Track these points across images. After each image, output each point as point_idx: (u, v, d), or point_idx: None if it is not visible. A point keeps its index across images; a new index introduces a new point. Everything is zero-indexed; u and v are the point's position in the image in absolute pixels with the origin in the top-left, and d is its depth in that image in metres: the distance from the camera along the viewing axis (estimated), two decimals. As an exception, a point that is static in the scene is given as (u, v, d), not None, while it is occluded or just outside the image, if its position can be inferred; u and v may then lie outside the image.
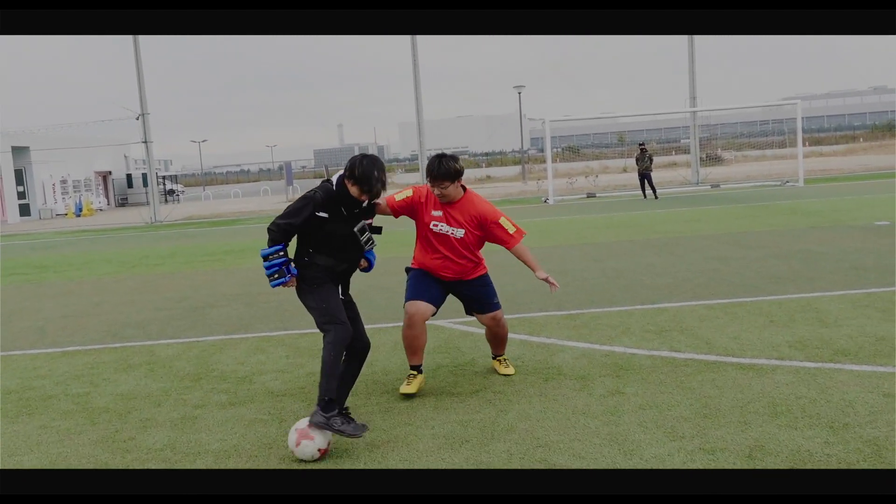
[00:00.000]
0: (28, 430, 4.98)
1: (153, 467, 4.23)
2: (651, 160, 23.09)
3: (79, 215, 38.87)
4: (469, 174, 58.73)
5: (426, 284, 5.25)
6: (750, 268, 9.38)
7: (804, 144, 26.39)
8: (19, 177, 39.07)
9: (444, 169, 4.95)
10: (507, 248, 5.29)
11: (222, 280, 11.43)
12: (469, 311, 5.43)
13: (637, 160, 23.30)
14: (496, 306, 5.37)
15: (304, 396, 5.30)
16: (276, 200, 40.82)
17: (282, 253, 4.41)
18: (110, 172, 48.94)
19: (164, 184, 53.86)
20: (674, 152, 58.18)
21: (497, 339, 5.50)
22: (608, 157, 55.07)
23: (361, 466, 4.07)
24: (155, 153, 30.31)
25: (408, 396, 5.09)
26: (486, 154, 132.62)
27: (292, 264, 4.48)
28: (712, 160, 41.90)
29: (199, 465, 4.25)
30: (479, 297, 5.35)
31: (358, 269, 4.79)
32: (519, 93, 43.11)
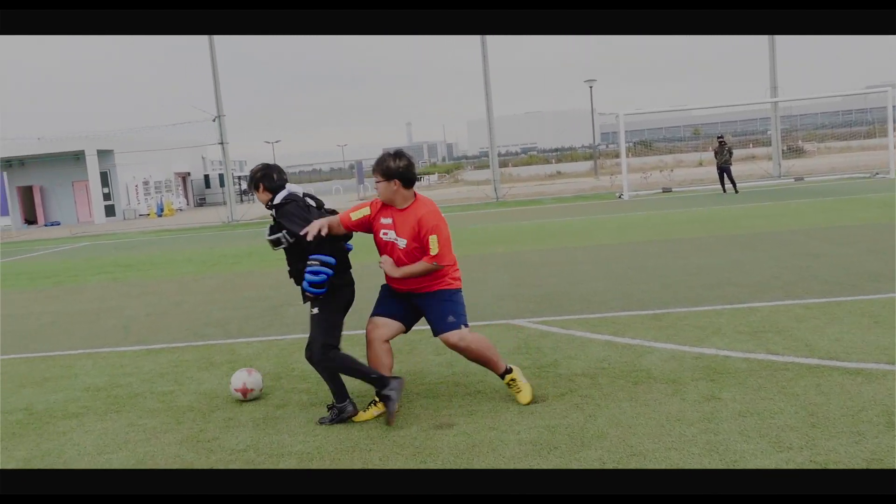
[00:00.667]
0: (116, 428, 5.04)
1: (237, 468, 4.21)
2: (731, 153, 22.25)
3: (160, 215, 40.16)
4: (538, 170, 58.47)
5: (386, 299, 4.95)
6: (845, 265, 8.88)
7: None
8: (104, 179, 40.62)
9: (380, 163, 4.65)
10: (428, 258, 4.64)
11: (299, 278, 11.51)
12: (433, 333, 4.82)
13: (716, 153, 22.53)
14: (451, 326, 4.70)
15: (384, 398, 5.21)
16: (347, 199, 41.31)
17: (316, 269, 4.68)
18: (189, 173, 50.42)
19: (239, 183, 55.27)
20: (751, 145, 56.36)
21: (479, 361, 4.83)
22: (682, 150, 53.73)
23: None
24: (230, 154, 31.01)
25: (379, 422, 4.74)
26: (556, 150, 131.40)
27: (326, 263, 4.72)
28: (794, 152, 40.37)
29: (283, 466, 4.20)
30: (434, 315, 4.76)
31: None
32: (590, 87, 42.46)
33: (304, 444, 4.49)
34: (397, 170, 4.62)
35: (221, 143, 30.08)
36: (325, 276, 4.53)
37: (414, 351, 6.41)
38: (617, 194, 25.19)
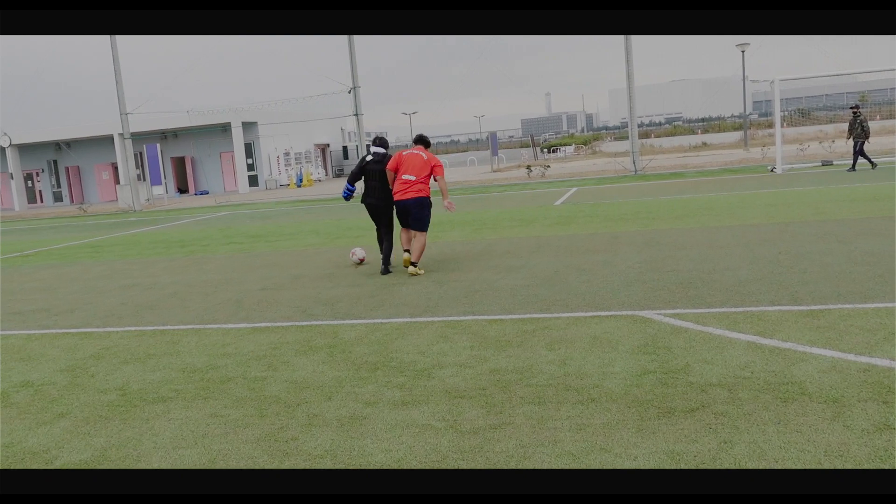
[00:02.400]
0: (199, 418, 4.74)
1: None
2: (863, 128, 19.91)
3: (299, 185, 41.31)
4: (682, 141, 55.56)
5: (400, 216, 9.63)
6: None
7: None
8: (248, 150, 42.22)
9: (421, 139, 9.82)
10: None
11: (417, 254, 11.09)
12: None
13: (850, 127, 20.30)
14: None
15: (484, 400, 4.61)
16: (482, 171, 40.82)
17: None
18: (328, 145, 51.61)
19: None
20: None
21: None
22: (845, 119, 49.20)
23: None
24: (368, 126, 31.25)
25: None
26: (703, 120, 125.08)
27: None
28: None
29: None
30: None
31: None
32: (742, 51, 39.49)
33: (386, 453, 3.97)
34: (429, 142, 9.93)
35: (356, 115, 30.28)
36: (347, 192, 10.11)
37: (524, 343, 5.76)
38: (769, 167, 23.17)
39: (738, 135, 57.62)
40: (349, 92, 30.02)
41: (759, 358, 4.95)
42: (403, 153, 9.51)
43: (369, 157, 9.75)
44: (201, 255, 13.54)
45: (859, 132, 19.95)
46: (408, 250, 9.47)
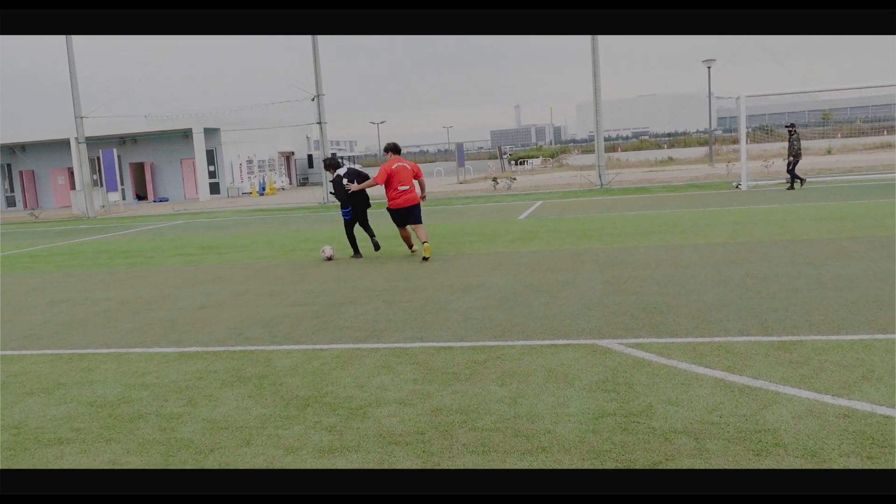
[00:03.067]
0: (92, 466, 4.13)
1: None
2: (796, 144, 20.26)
3: (262, 194, 40.47)
4: (649, 155, 55.61)
5: (399, 218, 11.49)
6: None
7: None
8: (210, 157, 41.27)
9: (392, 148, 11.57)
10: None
11: (368, 272, 10.53)
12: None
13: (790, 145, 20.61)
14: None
15: (421, 448, 4.07)
16: (447, 182, 40.36)
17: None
18: (293, 153, 50.79)
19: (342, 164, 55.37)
20: (885, 132, 51.70)
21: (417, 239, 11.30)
22: (808, 137, 49.79)
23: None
24: (338, 134, 30.67)
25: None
26: (669, 135, 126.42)
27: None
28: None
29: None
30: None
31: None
32: (709, 67, 39.65)
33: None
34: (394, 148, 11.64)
35: (319, 123, 29.65)
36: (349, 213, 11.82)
37: (473, 377, 5.24)
38: (734, 184, 23.02)
39: (703, 150, 57.92)
40: (312, 100, 29.40)
41: (729, 399, 4.49)
42: (392, 167, 11.27)
43: (345, 179, 11.83)
44: (145, 267, 12.83)
45: (797, 150, 20.23)
46: (412, 245, 11.83)
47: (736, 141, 69.53)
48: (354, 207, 11.99)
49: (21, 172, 44.58)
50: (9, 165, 44.76)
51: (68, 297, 10.04)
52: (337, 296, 8.72)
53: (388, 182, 11.27)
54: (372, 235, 12.29)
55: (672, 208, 17.16)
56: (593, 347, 5.79)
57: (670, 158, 48.98)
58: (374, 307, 7.90)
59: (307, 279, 10.18)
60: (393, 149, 11.55)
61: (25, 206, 43.70)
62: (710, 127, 44.68)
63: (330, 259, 11.63)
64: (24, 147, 43.96)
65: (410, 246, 11.85)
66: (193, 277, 11.11)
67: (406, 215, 11.44)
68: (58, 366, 6.35)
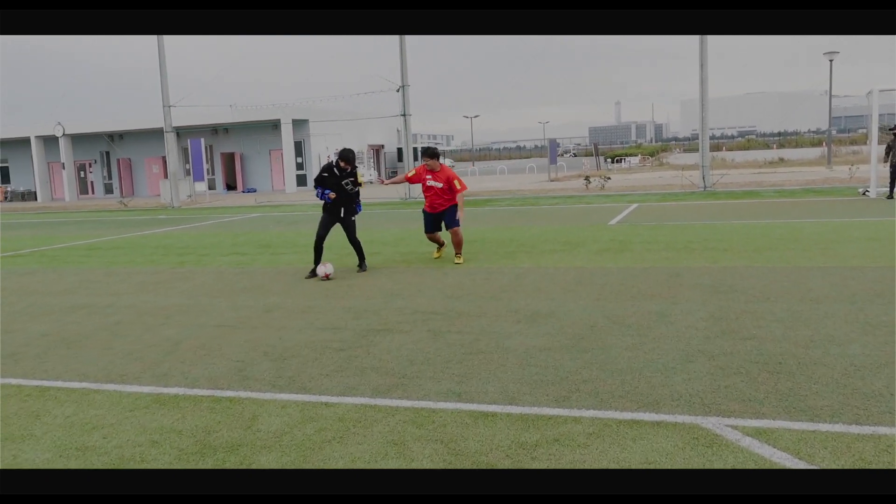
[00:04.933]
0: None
1: None
2: None
3: (348, 187, 39.68)
4: (757, 155, 51.93)
5: (428, 221, 10.87)
6: None
7: None
8: (298, 148, 40.85)
9: (428, 152, 10.65)
10: (456, 193, 10.54)
11: (426, 286, 9.01)
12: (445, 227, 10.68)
13: (888, 150, 17.84)
14: (455, 223, 10.61)
15: None
16: (539, 179, 38.51)
17: (320, 190, 10.02)
18: (383, 146, 50.01)
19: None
20: None
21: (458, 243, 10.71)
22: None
23: None
24: (425, 128, 29.39)
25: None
26: (778, 134, 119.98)
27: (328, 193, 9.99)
28: None
29: None
30: (448, 218, 10.64)
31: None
32: (830, 60, 36.15)
33: None
34: (438, 153, 10.72)
35: (404, 115, 28.40)
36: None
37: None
38: (860, 190, 20.30)
39: (817, 151, 53.79)
40: (397, 90, 28.17)
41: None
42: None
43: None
44: (192, 267, 11.76)
45: None
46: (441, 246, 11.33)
47: (855, 142, 64.61)
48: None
49: (119, 160, 45.50)
50: (107, 153, 45.77)
51: (92, 302, 8.99)
52: (377, 319, 7.24)
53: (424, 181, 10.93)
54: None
55: (789, 217, 14.88)
56: (694, 430, 4.07)
57: (781, 159, 45.43)
58: (415, 339, 6.38)
59: (352, 293, 8.76)
60: (436, 155, 10.78)
61: (122, 193, 44.56)
62: (830, 124, 40.93)
63: (327, 277, 9.75)
64: (121, 135, 44.82)
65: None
66: (233, 284, 9.89)
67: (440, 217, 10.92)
68: (7, 405, 5.12)
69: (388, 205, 25.69)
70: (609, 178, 29.66)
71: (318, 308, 7.95)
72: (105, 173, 46.35)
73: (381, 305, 7.90)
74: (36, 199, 44.52)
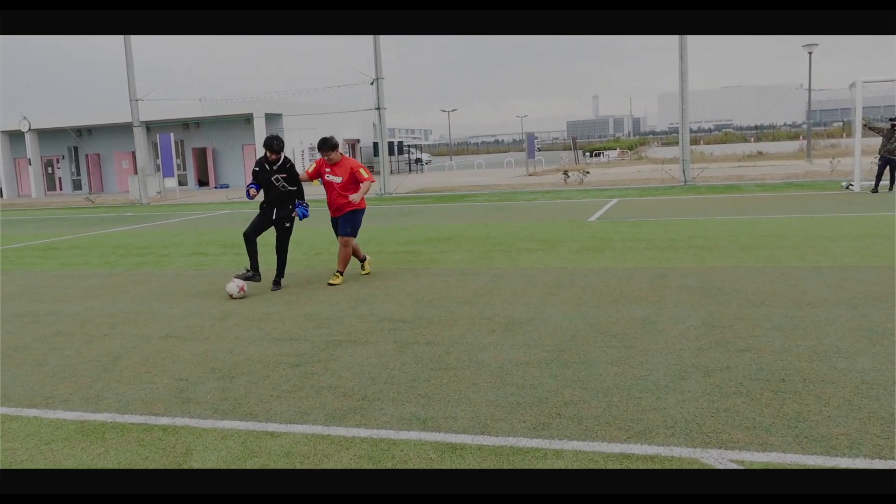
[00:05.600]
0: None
1: None
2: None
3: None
4: (735, 149, 51.75)
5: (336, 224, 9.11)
6: None
7: None
8: (272, 143, 39.97)
9: (327, 144, 8.65)
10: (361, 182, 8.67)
11: (395, 290, 8.43)
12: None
13: (885, 141, 17.61)
14: (346, 232, 8.84)
15: None
16: (516, 173, 37.99)
17: (252, 191, 8.74)
18: (359, 140, 49.26)
19: (409, 153, 53.55)
20: None
21: (351, 255, 8.99)
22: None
23: None
24: (402, 122, 28.76)
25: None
26: (756, 127, 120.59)
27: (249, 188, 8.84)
28: None
29: None
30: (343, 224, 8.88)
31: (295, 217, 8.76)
32: (810, 53, 35.94)
33: None
34: (336, 144, 8.76)
35: (378, 108, 27.72)
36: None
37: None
38: (844, 183, 19.95)
39: (795, 144, 53.74)
40: (371, 83, 27.48)
41: None
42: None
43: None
44: (149, 269, 11.06)
45: (893, 147, 17.35)
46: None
47: (832, 135, 64.72)
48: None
49: (87, 156, 44.35)
50: (76, 148, 44.59)
51: (34, 309, 8.29)
52: (340, 328, 6.64)
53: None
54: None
55: (773, 213, 14.44)
56: (694, 468, 3.51)
57: (760, 153, 45.28)
58: (380, 351, 5.78)
59: (316, 297, 8.14)
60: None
61: (91, 189, 43.43)
62: (809, 118, 40.79)
63: (242, 293, 8.23)
64: (90, 130, 43.66)
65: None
66: (189, 288, 9.23)
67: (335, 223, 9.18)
68: None
69: (363, 201, 25.00)
70: (588, 173, 29.20)
71: (277, 315, 7.33)
72: (73, 169, 45.17)
73: (346, 312, 7.30)
74: (1, 196, 43.27)
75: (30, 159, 41.86)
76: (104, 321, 7.47)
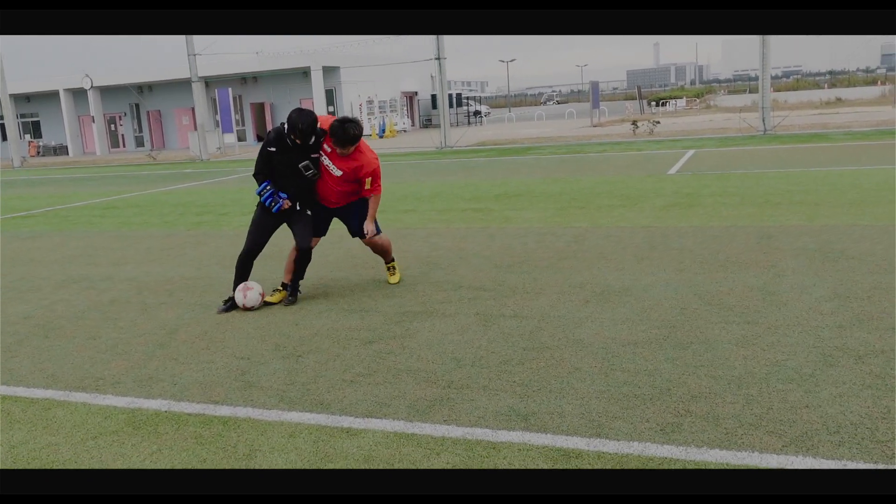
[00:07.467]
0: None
1: None
2: None
3: (381, 136, 38.35)
4: (811, 96, 49.00)
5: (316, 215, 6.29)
6: None
7: None
8: (330, 97, 39.45)
9: (342, 137, 5.81)
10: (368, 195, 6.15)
11: (469, 243, 7.74)
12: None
13: None
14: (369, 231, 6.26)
15: None
16: (580, 125, 36.67)
17: (269, 187, 5.96)
18: (416, 93, 48.33)
19: (467, 105, 52.36)
20: None
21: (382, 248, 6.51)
22: None
23: None
24: (469, 74, 27.78)
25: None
26: (828, 73, 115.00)
27: (281, 193, 5.96)
28: None
29: None
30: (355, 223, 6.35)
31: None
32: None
33: None
34: (354, 137, 5.88)
35: (438, 59, 26.76)
36: (269, 197, 6.00)
37: None
38: (944, 131, 18.39)
39: (875, 90, 50.71)
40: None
41: None
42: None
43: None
44: (207, 229, 10.62)
45: None
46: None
47: (917, 79, 60.81)
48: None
49: (148, 112, 44.57)
50: (137, 105, 44.84)
51: (89, 273, 7.90)
52: (413, 297, 6.00)
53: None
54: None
55: (873, 163, 13.21)
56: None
57: (839, 99, 42.81)
58: (461, 325, 5.12)
59: (380, 260, 7.52)
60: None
61: (152, 146, 43.74)
62: (885, 62, 38.06)
63: (264, 302, 6.14)
64: (150, 87, 43.77)
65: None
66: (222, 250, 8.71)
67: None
68: (-52, 424, 4.01)
69: (422, 154, 24.31)
70: (658, 123, 27.83)
71: (342, 282, 6.74)
72: (135, 126, 45.51)
73: (418, 278, 6.66)
74: (68, 154, 43.92)
75: (93, 117, 42.27)
76: (161, 287, 7.00)
